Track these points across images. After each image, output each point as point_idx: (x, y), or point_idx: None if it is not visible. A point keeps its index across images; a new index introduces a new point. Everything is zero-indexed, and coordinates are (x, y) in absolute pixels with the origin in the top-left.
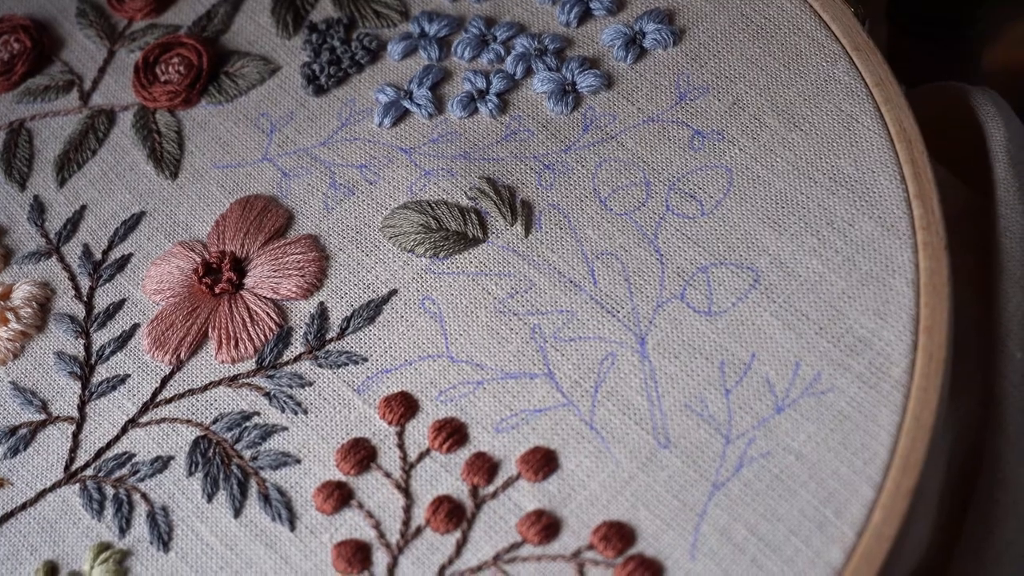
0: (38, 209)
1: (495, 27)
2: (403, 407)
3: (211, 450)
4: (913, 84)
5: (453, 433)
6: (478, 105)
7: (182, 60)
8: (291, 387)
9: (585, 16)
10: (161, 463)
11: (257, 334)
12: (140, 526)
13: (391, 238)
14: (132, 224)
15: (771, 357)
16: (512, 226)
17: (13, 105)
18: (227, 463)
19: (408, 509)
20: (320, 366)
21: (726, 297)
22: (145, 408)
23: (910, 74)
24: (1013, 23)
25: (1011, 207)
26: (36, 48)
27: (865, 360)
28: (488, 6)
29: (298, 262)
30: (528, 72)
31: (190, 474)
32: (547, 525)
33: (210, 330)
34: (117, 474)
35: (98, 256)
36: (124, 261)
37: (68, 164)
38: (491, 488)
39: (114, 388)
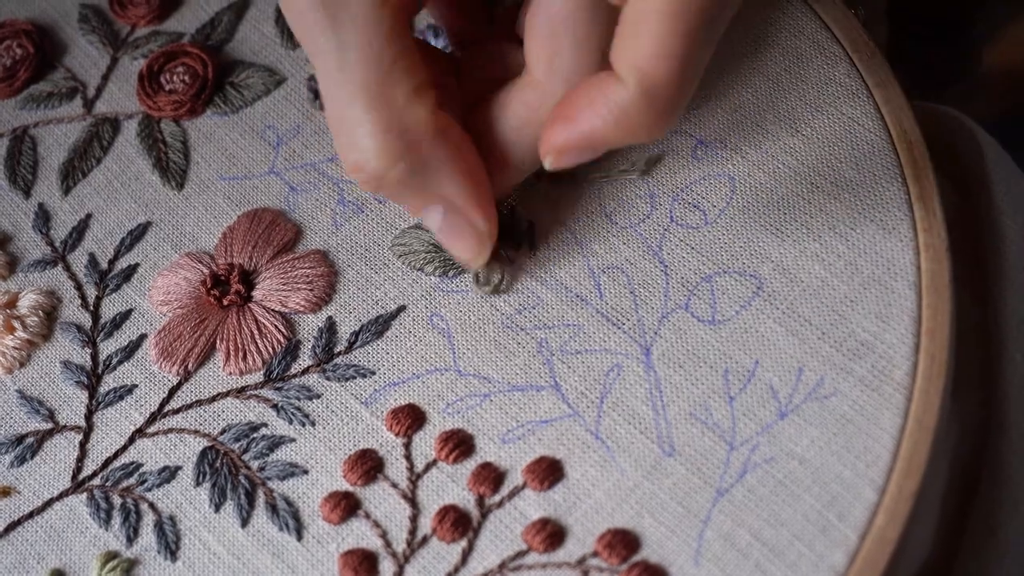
0: (43, 217)
1: None
2: (410, 419)
3: (219, 460)
4: (913, 85)
5: (460, 444)
6: None
7: (187, 69)
8: (299, 399)
9: None
10: (168, 473)
11: (265, 346)
12: (147, 535)
13: (400, 256)
14: (138, 234)
15: (774, 363)
16: (520, 246)
17: (16, 111)
18: (235, 473)
19: (414, 519)
20: (328, 379)
21: (730, 305)
22: (153, 418)
23: (910, 74)
24: (1013, 23)
25: (1004, 213)
26: (38, 54)
27: (867, 364)
28: None
29: (307, 276)
30: None
31: (197, 484)
32: (552, 533)
33: (218, 342)
34: (124, 484)
35: (104, 265)
36: (130, 271)
37: (73, 172)
38: (497, 497)
39: (121, 398)
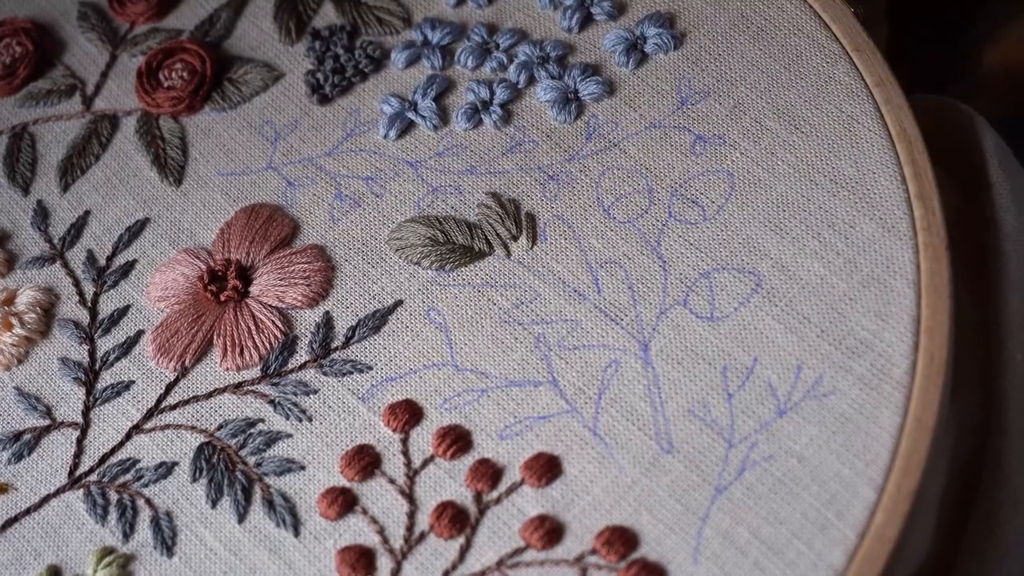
0: (41, 214)
1: (497, 34)
2: (407, 414)
3: (215, 456)
4: (913, 84)
5: (457, 440)
6: (482, 116)
7: (185, 66)
8: (296, 394)
9: (587, 21)
10: (165, 469)
11: (262, 342)
12: (144, 531)
13: (397, 250)
14: (136, 230)
15: (773, 361)
16: (517, 239)
17: (16, 109)
18: (231, 469)
19: (412, 515)
20: (325, 374)
21: (728, 302)
22: (150, 414)
23: (910, 74)
24: (1013, 23)
25: (1006, 211)
26: (38, 51)
27: (866, 362)
28: (490, 12)
29: (304, 271)
30: (531, 80)
31: (194, 480)
32: (550, 530)
33: (215, 337)
34: (121, 480)
35: (102, 262)
36: (128, 267)
37: (71, 169)
38: (495, 494)
39: (119, 394)
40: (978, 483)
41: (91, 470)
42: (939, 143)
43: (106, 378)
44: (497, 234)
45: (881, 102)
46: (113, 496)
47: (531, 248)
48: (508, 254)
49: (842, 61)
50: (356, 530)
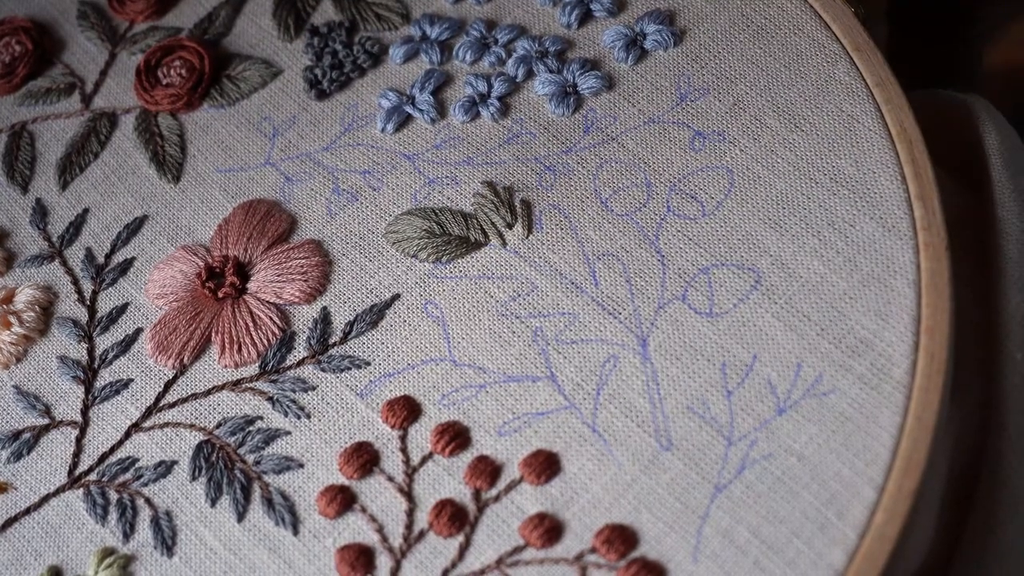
0: (40, 212)
1: (496, 30)
2: (406, 411)
3: (214, 455)
4: (913, 84)
5: (456, 437)
6: (480, 109)
7: (184, 63)
8: (294, 391)
9: (586, 18)
10: (164, 468)
11: (260, 338)
12: (144, 531)
13: (394, 243)
14: (135, 228)
15: (773, 359)
16: (512, 227)
17: (15, 107)
18: (230, 467)
19: (411, 513)
20: (323, 370)
21: (727, 298)
22: (148, 412)
23: (910, 74)
24: (1013, 23)
25: (1008, 209)
26: (37, 50)
27: (866, 361)
28: (489, 8)
29: (301, 267)
30: (529, 74)
31: (193, 479)
32: (549, 528)
33: (213, 334)
34: (121, 479)
35: (101, 260)
36: (127, 265)
37: (70, 167)
38: (494, 491)
39: (117, 392)
40: (978, 483)
41: (91, 469)
42: (945, 139)
43: (105, 376)
44: (492, 223)
45: (881, 102)
46: (113, 495)
47: (527, 237)
48: (504, 243)
49: (842, 60)
50: (355, 528)
